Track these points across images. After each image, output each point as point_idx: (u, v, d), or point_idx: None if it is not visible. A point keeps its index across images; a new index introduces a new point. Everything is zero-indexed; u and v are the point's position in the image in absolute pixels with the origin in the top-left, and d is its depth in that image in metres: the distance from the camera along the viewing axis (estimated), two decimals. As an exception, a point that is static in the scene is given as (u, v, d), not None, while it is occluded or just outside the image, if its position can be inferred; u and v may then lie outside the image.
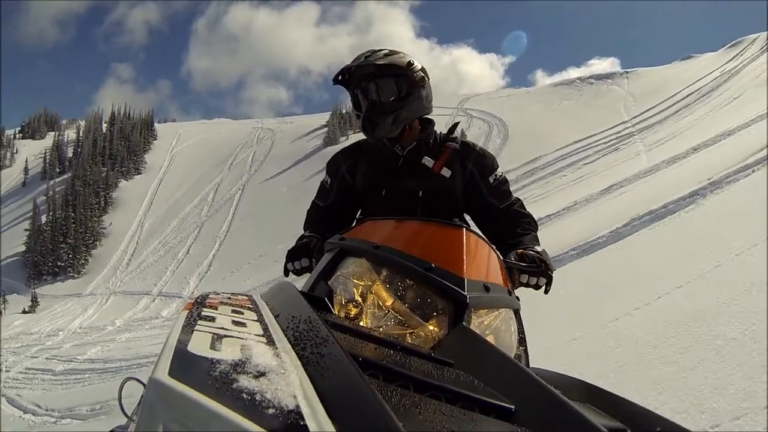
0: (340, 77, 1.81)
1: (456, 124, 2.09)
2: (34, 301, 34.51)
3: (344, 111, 61.36)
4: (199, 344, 0.59)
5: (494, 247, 1.41)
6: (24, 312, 32.76)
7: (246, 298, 0.93)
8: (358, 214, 1.98)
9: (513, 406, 0.66)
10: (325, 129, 59.30)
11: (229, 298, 0.90)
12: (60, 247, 43.75)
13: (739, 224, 6.70)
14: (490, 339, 1.07)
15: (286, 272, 1.78)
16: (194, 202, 48.65)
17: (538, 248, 1.61)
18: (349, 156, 1.97)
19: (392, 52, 1.79)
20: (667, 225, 8.71)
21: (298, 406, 0.49)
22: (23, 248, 46.32)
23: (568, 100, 50.77)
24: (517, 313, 1.23)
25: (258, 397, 0.49)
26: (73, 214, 46.96)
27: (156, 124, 73.34)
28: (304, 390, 0.53)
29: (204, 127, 77.27)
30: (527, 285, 1.51)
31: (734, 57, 44.97)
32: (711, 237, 6.62)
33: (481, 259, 1.22)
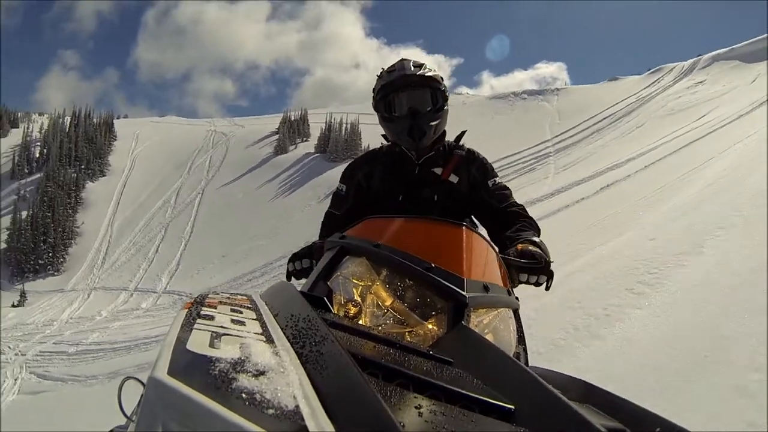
0: (383, 82, 1.88)
1: (463, 133, 2.09)
2: (23, 296, 35.45)
3: (293, 119, 64.82)
4: (198, 342, 0.59)
5: (494, 246, 1.39)
6: (13, 306, 33.58)
7: (245, 297, 0.92)
8: None
9: (513, 406, 0.66)
10: (276, 136, 62.22)
11: (228, 297, 0.90)
12: (40, 246, 44.41)
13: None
14: (489, 338, 1.06)
15: (288, 275, 1.76)
16: (158, 203, 50.53)
17: (537, 239, 1.59)
18: (365, 164, 2.03)
19: (429, 67, 1.87)
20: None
21: (297, 406, 0.49)
22: (4, 246, 46.36)
23: (501, 115, 52.97)
24: (516, 312, 1.24)
25: (257, 397, 0.49)
26: (50, 214, 47.51)
27: (114, 121, 73.33)
28: (303, 389, 0.53)
29: (159, 127, 78.24)
30: (527, 283, 1.48)
31: (650, 84, 47.05)
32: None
33: (480, 259, 1.21)
